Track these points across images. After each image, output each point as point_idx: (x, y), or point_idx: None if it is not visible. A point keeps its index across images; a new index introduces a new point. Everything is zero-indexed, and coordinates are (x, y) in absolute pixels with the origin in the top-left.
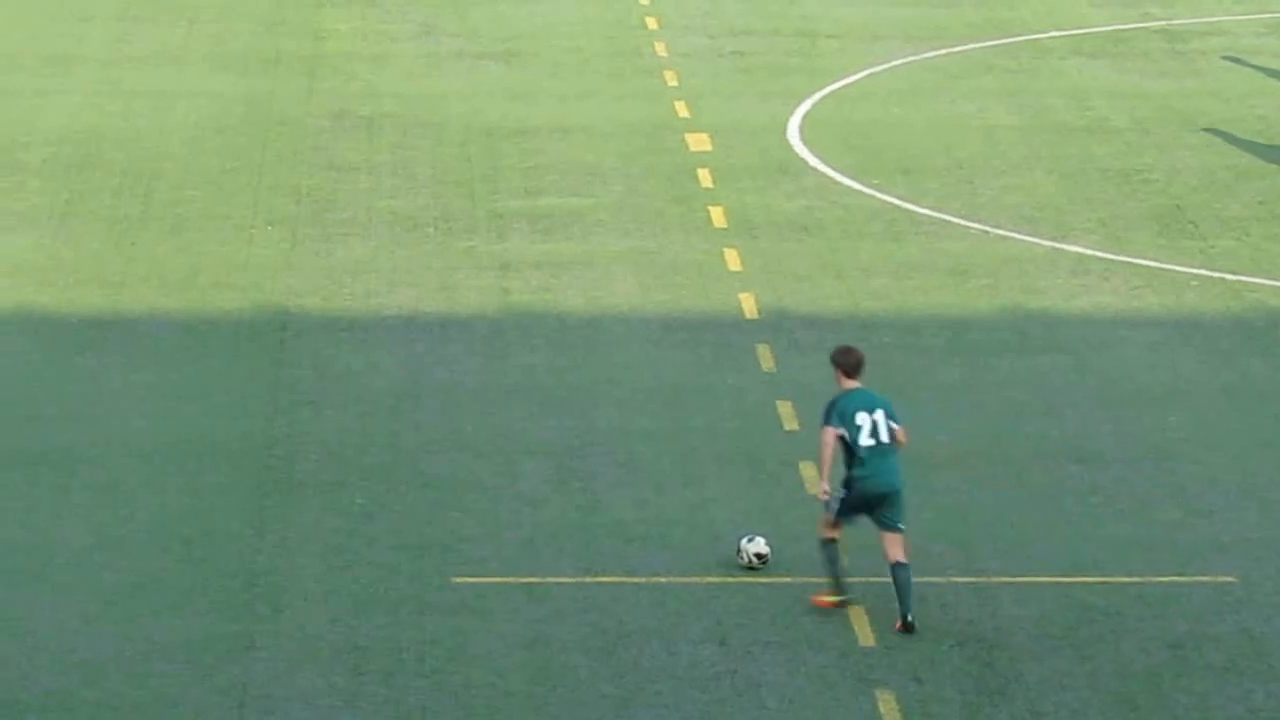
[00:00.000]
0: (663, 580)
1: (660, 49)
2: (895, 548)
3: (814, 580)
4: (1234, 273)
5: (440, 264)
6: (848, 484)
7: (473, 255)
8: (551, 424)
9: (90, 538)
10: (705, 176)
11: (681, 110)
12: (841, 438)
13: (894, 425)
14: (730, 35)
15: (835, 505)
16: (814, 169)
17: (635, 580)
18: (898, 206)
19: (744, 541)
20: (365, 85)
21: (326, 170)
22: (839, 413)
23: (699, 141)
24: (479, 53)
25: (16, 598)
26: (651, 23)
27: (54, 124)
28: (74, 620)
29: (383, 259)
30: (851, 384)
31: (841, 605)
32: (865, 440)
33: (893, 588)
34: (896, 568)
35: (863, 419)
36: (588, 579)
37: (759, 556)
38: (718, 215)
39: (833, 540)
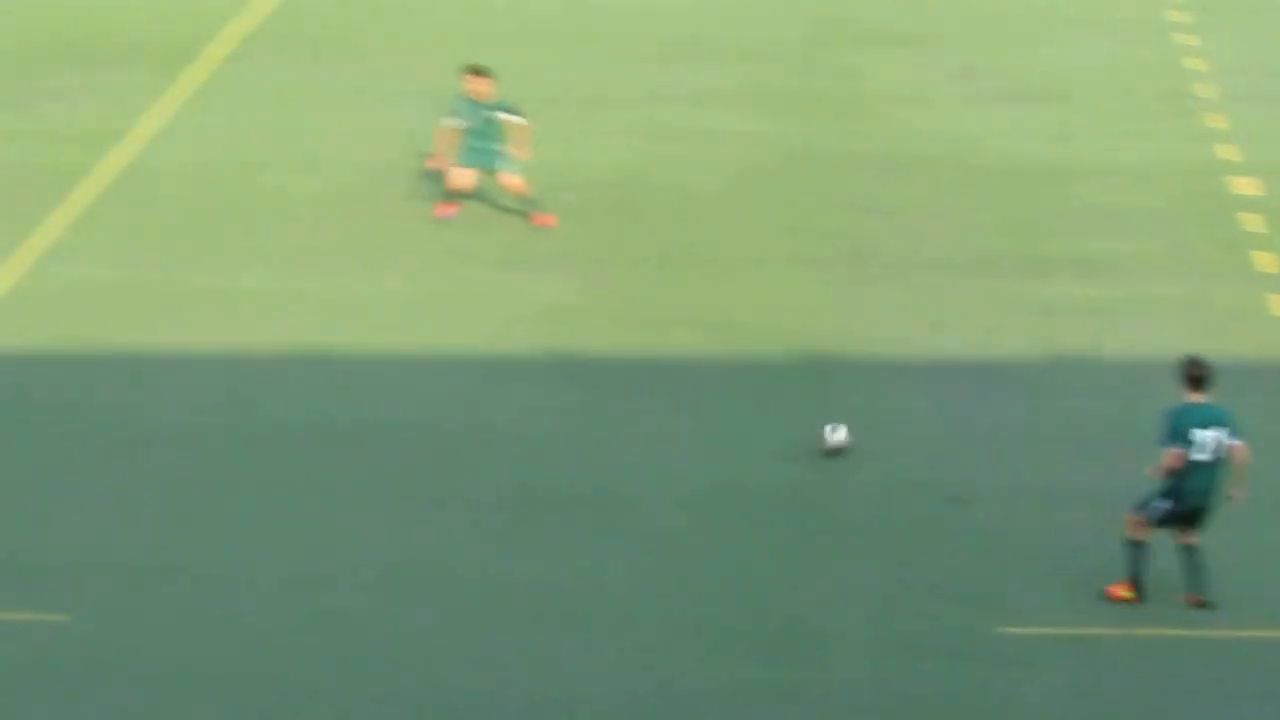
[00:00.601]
0: (1216, 633)
1: (1204, 90)
2: (1191, 538)
3: None
4: None
5: (981, 308)
6: (1173, 495)
7: (1014, 299)
8: (1098, 471)
9: (632, 581)
10: (1254, 221)
11: (1227, 153)
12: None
13: (1231, 441)
14: (1276, 76)
15: (1156, 512)
16: None
17: (1187, 633)
18: None
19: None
20: (903, 127)
21: (865, 212)
22: (1177, 430)
23: (1246, 185)
24: (1018, 94)
25: (559, 640)
26: (1194, 64)
27: (592, 165)
28: (616, 663)
29: (922, 302)
30: (1196, 398)
31: (1131, 602)
32: (1198, 456)
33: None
34: (1189, 549)
35: (1199, 435)
36: (1138, 630)
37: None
38: (1267, 261)
39: (1142, 542)
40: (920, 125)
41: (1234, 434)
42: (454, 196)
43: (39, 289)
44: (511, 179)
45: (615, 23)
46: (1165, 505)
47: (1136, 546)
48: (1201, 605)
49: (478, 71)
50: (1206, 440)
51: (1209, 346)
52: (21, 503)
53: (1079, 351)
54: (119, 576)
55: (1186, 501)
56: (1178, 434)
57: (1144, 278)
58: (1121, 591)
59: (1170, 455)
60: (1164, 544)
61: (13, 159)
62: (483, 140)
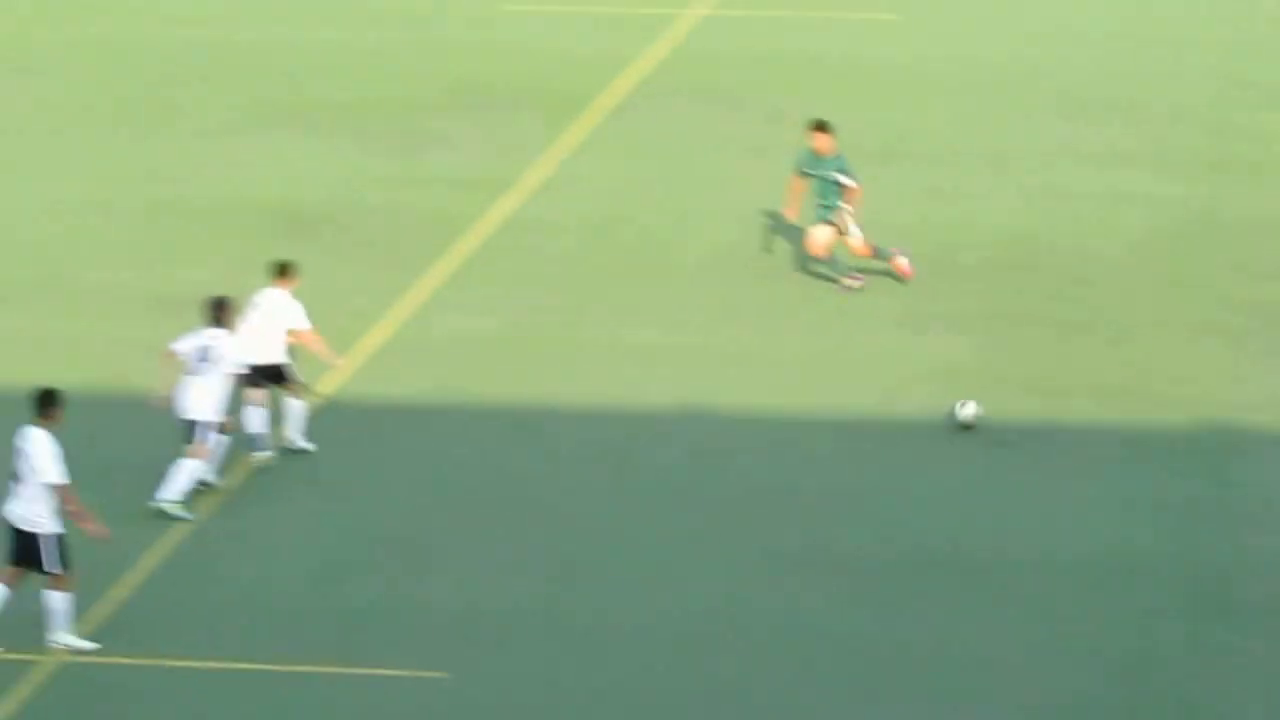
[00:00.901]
0: None
1: None
2: None
3: None
4: None
5: None
6: None
7: None
8: None
9: (1019, 653)
10: None
11: None
12: None
13: None
14: None
15: None
16: None
17: None
18: None
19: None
20: None
21: (1275, 280)
22: None
23: None
24: None
25: (939, 712)
26: None
27: (991, 224)
28: None
29: None
30: None
31: None
32: None
33: None
34: None
35: None
36: None
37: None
38: None
39: None
40: None
41: None
42: (842, 267)
43: (421, 338)
44: (852, 242)
45: (1021, 79)
46: None
47: None
48: None
49: (819, 127)
50: None
51: None
52: (406, 556)
53: None
54: (498, 633)
55: None
56: None
57: None
58: None
59: None
60: None
61: (400, 204)
62: (821, 196)
